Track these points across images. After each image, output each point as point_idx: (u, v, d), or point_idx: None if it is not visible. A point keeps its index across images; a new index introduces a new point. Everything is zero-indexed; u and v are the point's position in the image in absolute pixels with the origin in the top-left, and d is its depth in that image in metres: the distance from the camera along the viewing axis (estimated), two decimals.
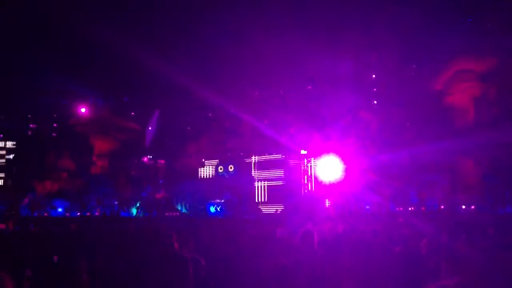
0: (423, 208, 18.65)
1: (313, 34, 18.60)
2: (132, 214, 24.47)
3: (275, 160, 24.40)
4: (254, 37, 18.47)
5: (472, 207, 17.18)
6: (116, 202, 25.57)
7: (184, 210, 25.98)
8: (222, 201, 23.64)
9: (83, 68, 20.86)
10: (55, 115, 28.02)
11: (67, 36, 18.85)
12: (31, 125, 28.36)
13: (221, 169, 25.08)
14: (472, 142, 17.19)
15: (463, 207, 17.27)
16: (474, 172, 17.74)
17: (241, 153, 25.68)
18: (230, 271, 4.44)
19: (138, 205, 25.82)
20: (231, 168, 24.77)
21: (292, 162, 23.92)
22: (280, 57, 20.65)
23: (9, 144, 28.60)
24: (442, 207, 18.22)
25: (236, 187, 24.09)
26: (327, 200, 21.39)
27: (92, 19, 17.18)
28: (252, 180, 24.51)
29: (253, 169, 24.89)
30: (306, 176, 23.24)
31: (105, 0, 17.21)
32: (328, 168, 22.03)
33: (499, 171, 16.87)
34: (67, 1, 16.62)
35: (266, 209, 24.36)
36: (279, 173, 23.98)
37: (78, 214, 24.29)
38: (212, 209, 23.29)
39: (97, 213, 23.56)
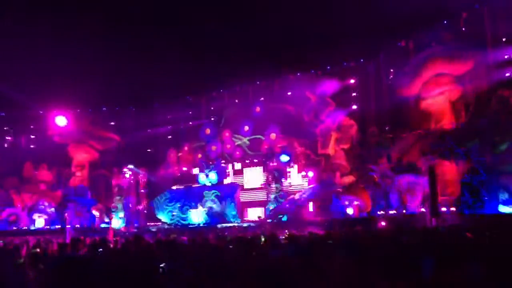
0: (403, 211, 18.74)
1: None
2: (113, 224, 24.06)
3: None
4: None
5: (453, 208, 17.31)
6: (96, 213, 25.14)
7: (166, 219, 25.68)
8: (205, 209, 23.43)
9: (59, 76, 20.60)
10: (32, 127, 27.54)
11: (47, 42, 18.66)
12: (7, 137, 27.78)
13: (203, 177, 24.90)
14: (449, 145, 17.43)
15: (444, 209, 17.38)
16: (453, 174, 17.91)
17: (223, 161, 25.56)
18: (212, 279, 4.36)
19: (120, 215, 25.43)
20: (213, 176, 24.63)
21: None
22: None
23: None
24: (422, 209, 18.31)
25: (218, 195, 23.94)
26: (309, 205, 21.39)
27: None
28: (235, 187, 24.41)
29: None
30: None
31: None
32: (309, 174, 22.12)
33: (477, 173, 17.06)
34: None
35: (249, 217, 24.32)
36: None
37: (58, 226, 23.77)
38: (195, 217, 23.06)
39: (77, 225, 23.04)
